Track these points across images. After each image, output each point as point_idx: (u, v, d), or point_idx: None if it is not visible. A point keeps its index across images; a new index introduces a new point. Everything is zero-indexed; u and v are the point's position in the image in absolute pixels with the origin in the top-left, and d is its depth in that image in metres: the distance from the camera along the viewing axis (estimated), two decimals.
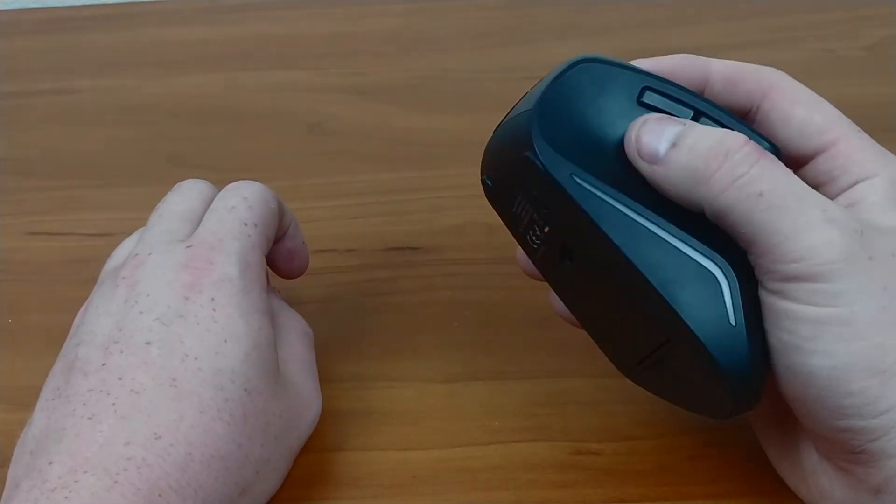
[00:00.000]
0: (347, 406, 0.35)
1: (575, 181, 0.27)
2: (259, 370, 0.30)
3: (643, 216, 0.27)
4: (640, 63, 0.30)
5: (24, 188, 0.47)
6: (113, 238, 0.43)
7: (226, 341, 0.29)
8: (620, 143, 0.28)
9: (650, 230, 0.27)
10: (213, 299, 0.30)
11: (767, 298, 0.26)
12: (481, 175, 0.31)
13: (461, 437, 0.34)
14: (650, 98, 0.29)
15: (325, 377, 0.35)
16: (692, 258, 0.26)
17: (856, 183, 0.27)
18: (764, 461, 0.31)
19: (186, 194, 0.34)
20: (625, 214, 0.27)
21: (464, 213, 0.44)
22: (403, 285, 0.40)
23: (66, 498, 0.25)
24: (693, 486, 0.32)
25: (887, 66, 0.52)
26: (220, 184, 0.35)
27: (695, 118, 0.28)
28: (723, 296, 0.26)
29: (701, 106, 0.28)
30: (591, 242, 0.27)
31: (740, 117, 0.29)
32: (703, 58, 0.30)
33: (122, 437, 0.27)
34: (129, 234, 0.35)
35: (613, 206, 0.27)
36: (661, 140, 0.27)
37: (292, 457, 0.32)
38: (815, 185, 0.27)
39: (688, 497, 0.31)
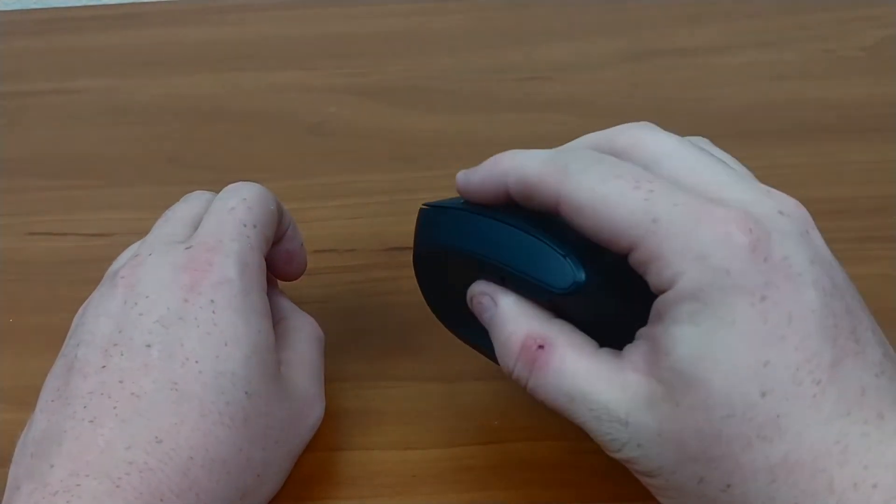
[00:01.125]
0: (347, 405, 0.35)
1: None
2: (260, 373, 0.30)
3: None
4: (460, 181, 0.31)
5: (24, 188, 0.47)
6: (113, 238, 0.43)
7: (226, 344, 0.29)
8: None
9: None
10: (212, 301, 0.30)
11: None
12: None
13: (461, 436, 0.34)
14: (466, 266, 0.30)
15: (325, 377, 0.35)
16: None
17: (656, 290, 0.26)
18: None
19: (192, 202, 0.34)
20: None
21: None
22: (403, 285, 0.40)
23: (67, 502, 0.25)
24: None
25: (887, 66, 0.52)
26: (219, 184, 0.35)
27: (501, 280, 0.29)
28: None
29: (498, 262, 0.29)
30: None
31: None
32: (504, 169, 0.29)
33: (123, 441, 0.27)
34: (130, 234, 0.35)
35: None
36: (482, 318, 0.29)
37: (293, 460, 0.32)
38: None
39: None
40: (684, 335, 0.25)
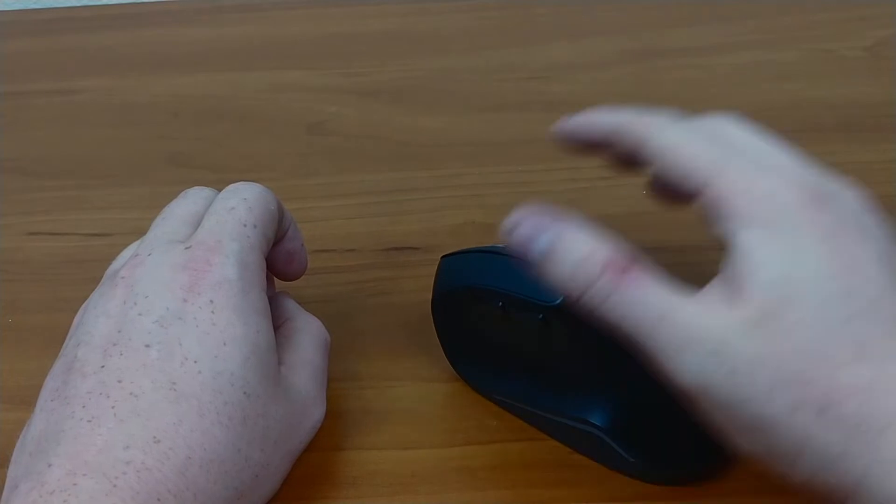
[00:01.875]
0: (347, 405, 0.35)
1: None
2: (259, 373, 0.29)
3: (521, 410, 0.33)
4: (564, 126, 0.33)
5: (24, 188, 0.47)
6: (113, 238, 0.43)
7: (225, 344, 0.29)
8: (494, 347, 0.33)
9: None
10: (211, 301, 0.29)
11: None
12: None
13: (460, 436, 0.34)
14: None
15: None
16: (572, 426, 0.32)
17: (727, 232, 0.27)
18: None
19: (190, 199, 0.34)
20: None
21: (464, 213, 0.44)
22: (403, 285, 0.40)
23: (64, 501, 0.25)
24: (691, 485, 0.32)
25: (887, 66, 0.52)
26: (219, 183, 0.35)
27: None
28: (610, 445, 0.31)
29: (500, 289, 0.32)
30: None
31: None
32: (598, 115, 0.33)
33: (121, 441, 0.27)
34: (130, 233, 0.35)
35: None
36: (534, 247, 0.28)
37: (292, 461, 0.32)
38: (708, 226, 0.28)
39: (685, 496, 0.31)
40: (770, 258, 0.26)
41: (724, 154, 0.28)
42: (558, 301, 0.29)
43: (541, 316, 0.30)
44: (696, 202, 0.28)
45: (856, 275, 0.26)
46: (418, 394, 0.36)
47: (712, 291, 0.27)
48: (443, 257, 0.35)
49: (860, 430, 0.24)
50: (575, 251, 0.27)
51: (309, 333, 0.34)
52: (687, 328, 0.26)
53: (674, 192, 0.29)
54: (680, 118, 0.30)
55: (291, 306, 0.35)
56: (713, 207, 0.27)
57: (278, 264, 0.35)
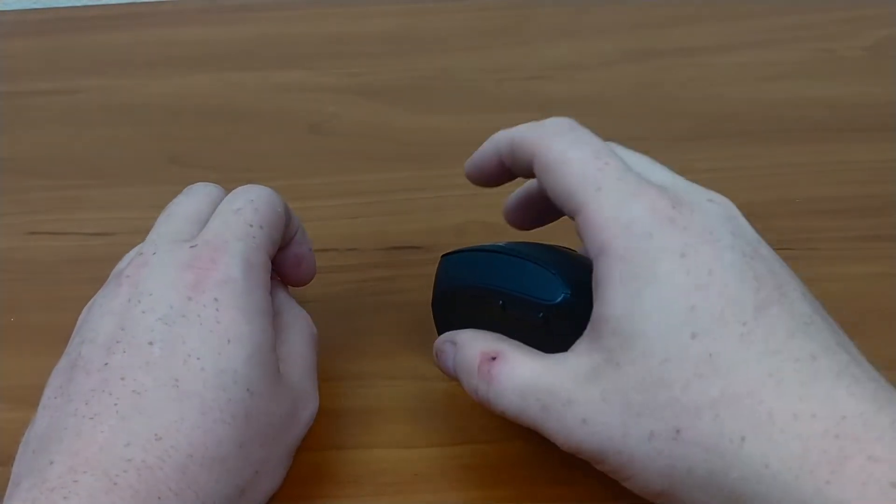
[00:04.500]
0: (348, 404, 0.35)
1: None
2: (261, 371, 0.30)
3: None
4: (467, 166, 0.34)
5: (24, 188, 0.47)
6: (113, 238, 0.43)
7: (229, 342, 0.29)
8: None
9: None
10: (216, 300, 0.30)
11: None
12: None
13: (461, 434, 0.34)
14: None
15: (326, 375, 0.35)
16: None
17: (595, 259, 0.28)
18: None
19: (195, 196, 0.34)
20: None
21: (464, 212, 0.44)
22: (404, 284, 0.40)
23: (64, 498, 0.25)
24: None
25: (887, 66, 0.52)
26: (220, 184, 0.35)
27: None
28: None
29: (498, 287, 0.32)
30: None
31: None
32: (499, 135, 0.32)
33: (122, 438, 0.27)
34: (130, 233, 0.35)
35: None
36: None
37: (290, 456, 0.32)
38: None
39: None
40: (618, 297, 0.27)
41: (601, 175, 0.28)
42: (558, 299, 0.30)
43: (541, 314, 0.30)
44: (575, 223, 0.29)
45: (703, 290, 0.26)
46: (419, 393, 0.36)
47: (577, 345, 0.28)
48: (443, 256, 0.35)
49: (718, 448, 0.25)
50: (461, 361, 0.31)
51: (299, 328, 0.34)
52: (544, 390, 0.28)
53: (543, 212, 0.33)
54: (570, 122, 0.30)
55: (282, 297, 0.34)
56: (583, 234, 0.28)
57: (287, 268, 0.35)
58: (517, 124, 0.51)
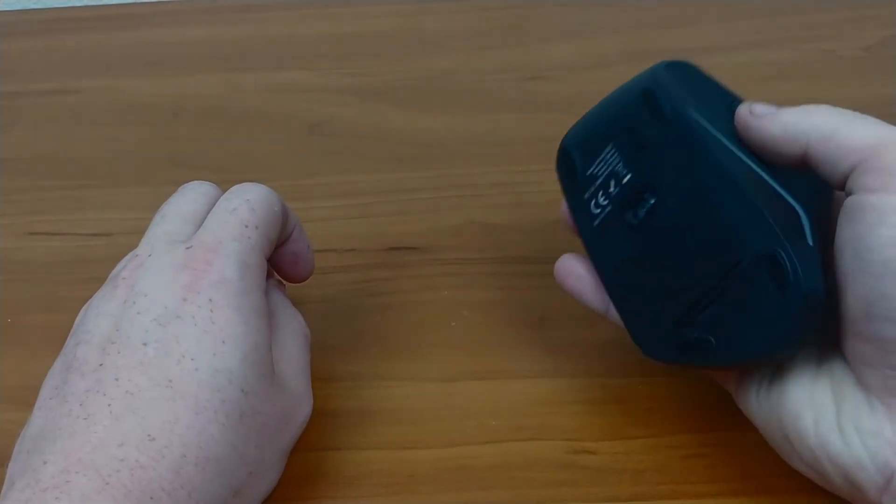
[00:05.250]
0: (346, 405, 0.35)
1: (692, 113, 0.31)
2: (256, 372, 0.30)
3: (745, 155, 0.30)
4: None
5: (24, 188, 0.47)
6: (113, 238, 0.43)
7: (223, 342, 0.29)
8: (726, 108, 0.32)
9: (749, 166, 0.30)
10: (211, 300, 0.30)
11: (842, 200, 0.28)
12: (562, 143, 0.35)
13: (459, 436, 0.34)
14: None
15: (324, 376, 0.35)
16: (781, 195, 0.29)
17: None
18: (761, 460, 0.31)
19: (190, 195, 0.34)
20: (730, 149, 0.30)
21: (463, 213, 0.44)
22: (403, 285, 0.40)
23: (56, 498, 0.25)
24: (689, 486, 0.32)
25: (887, 66, 0.52)
26: (220, 184, 0.35)
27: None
28: (803, 226, 0.28)
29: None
30: (689, 173, 0.31)
31: None
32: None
33: (116, 438, 0.27)
34: (129, 233, 0.35)
35: (722, 142, 0.30)
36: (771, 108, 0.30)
37: (285, 457, 0.32)
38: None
39: (684, 496, 0.31)
40: None
41: None
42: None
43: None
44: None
45: None
46: (417, 394, 0.36)
47: None
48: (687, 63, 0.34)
49: None
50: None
51: (293, 329, 0.34)
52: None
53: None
54: None
55: (276, 298, 0.34)
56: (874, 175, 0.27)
57: (284, 266, 0.35)
58: (517, 124, 0.51)
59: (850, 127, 0.28)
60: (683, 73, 0.34)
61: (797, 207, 0.29)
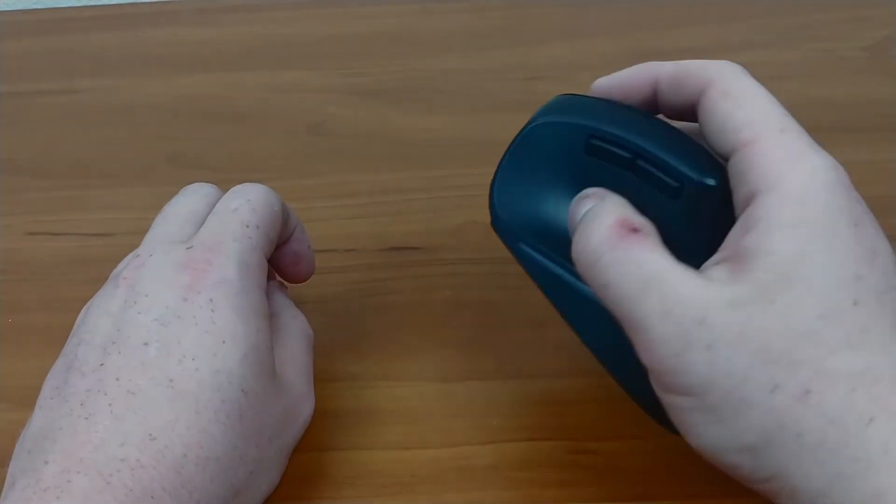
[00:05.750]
0: (346, 405, 0.35)
1: (522, 249, 0.31)
2: (256, 372, 0.30)
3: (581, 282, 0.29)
4: (600, 82, 0.32)
5: (24, 188, 0.47)
6: (113, 238, 0.43)
7: (224, 342, 0.29)
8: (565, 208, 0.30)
9: (588, 298, 0.29)
10: (211, 300, 0.30)
11: None
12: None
13: (459, 436, 0.34)
14: (594, 147, 0.30)
15: (324, 377, 0.35)
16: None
17: (754, 195, 0.26)
18: None
19: (191, 196, 0.34)
20: (566, 283, 0.30)
21: (463, 213, 0.44)
22: (403, 285, 0.40)
23: (57, 498, 0.25)
24: (690, 486, 0.32)
25: (887, 66, 0.52)
26: (219, 184, 0.35)
27: (631, 162, 0.29)
28: None
29: (641, 144, 0.29)
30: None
31: (691, 116, 0.30)
32: (655, 63, 0.31)
33: (116, 438, 0.27)
34: (129, 233, 0.35)
35: (556, 275, 0.30)
36: (576, 220, 0.29)
37: (286, 457, 0.32)
38: (733, 186, 0.27)
39: (685, 496, 0.31)
40: (788, 237, 0.25)
41: (786, 118, 0.27)
42: (708, 180, 0.28)
43: (681, 187, 0.28)
44: (731, 154, 0.27)
45: (872, 265, 0.25)
46: (417, 394, 0.36)
47: (717, 262, 0.26)
48: (562, 95, 0.33)
49: (843, 421, 0.24)
50: (594, 218, 0.28)
51: (296, 330, 0.34)
52: (674, 295, 0.25)
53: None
54: (746, 72, 0.30)
55: (280, 299, 0.35)
56: (750, 165, 0.26)
57: (285, 266, 0.35)
58: (517, 124, 0.51)
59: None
60: (532, 156, 0.32)
61: None
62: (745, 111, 0.27)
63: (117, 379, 0.28)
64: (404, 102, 0.52)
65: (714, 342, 0.25)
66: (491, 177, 0.46)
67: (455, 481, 0.32)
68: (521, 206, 0.31)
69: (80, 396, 0.28)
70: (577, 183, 0.30)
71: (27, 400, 0.30)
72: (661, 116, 0.32)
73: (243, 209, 0.32)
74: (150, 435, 0.27)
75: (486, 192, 0.45)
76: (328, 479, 0.33)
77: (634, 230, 0.27)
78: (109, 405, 0.27)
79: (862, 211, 0.26)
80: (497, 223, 0.32)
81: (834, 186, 0.26)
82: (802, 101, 0.50)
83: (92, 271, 0.35)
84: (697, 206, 0.28)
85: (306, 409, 0.33)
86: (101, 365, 0.28)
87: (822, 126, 0.48)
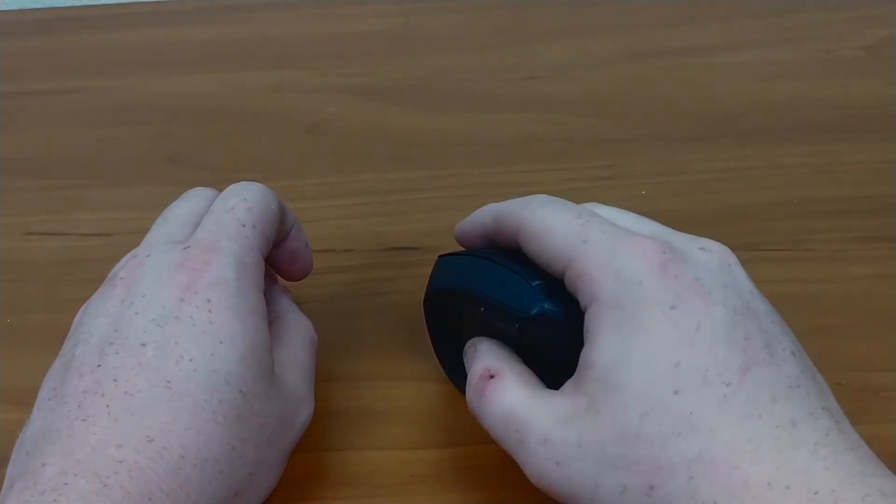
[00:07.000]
0: (346, 405, 0.35)
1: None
2: (254, 372, 0.29)
3: None
4: (457, 230, 0.35)
5: (24, 188, 0.47)
6: (112, 238, 0.43)
7: (221, 343, 0.29)
8: None
9: None
10: (208, 300, 0.29)
11: None
12: None
13: (459, 436, 0.34)
14: (443, 304, 0.34)
15: (323, 377, 0.35)
16: None
17: (587, 308, 0.28)
18: None
19: (192, 200, 0.34)
20: None
21: (463, 213, 0.43)
22: (402, 285, 0.40)
23: (54, 501, 0.25)
24: None
25: (887, 66, 0.52)
26: (219, 184, 0.35)
27: (479, 310, 0.31)
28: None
29: (478, 294, 0.32)
30: None
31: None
32: (487, 207, 0.33)
33: (114, 440, 0.27)
34: (129, 234, 0.35)
35: None
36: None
37: (285, 458, 0.32)
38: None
39: None
40: (605, 345, 0.27)
41: (584, 230, 0.29)
42: (533, 311, 0.30)
43: (517, 325, 0.30)
44: (563, 279, 0.29)
45: (690, 347, 0.26)
46: (417, 394, 0.36)
47: (569, 382, 0.28)
48: (440, 256, 0.35)
49: None
50: (470, 371, 0.31)
51: (299, 333, 0.34)
52: (522, 423, 0.28)
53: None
54: (551, 197, 0.31)
55: (284, 303, 0.35)
56: (575, 286, 0.28)
57: (283, 264, 0.35)
58: (517, 124, 0.51)
59: None
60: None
61: None
62: (550, 244, 0.29)
63: (115, 380, 0.28)
64: (404, 102, 0.52)
65: (561, 458, 0.27)
66: (491, 177, 0.46)
67: (454, 481, 0.32)
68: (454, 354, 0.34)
69: (77, 397, 0.28)
70: (471, 328, 0.33)
71: (27, 400, 0.30)
72: None
73: (239, 208, 0.32)
74: (148, 436, 0.27)
75: (486, 191, 0.45)
76: (326, 480, 0.33)
77: (491, 377, 0.30)
78: (107, 406, 0.27)
79: (681, 287, 0.27)
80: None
81: (643, 278, 0.27)
82: (802, 101, 0.50)
83: (91, 271, 0.35)
84: (543, 332, 0.30)
85: (305, 411, 0.33)
86: (99, 366, 0.28)
87: (822, 126, 0.49)
